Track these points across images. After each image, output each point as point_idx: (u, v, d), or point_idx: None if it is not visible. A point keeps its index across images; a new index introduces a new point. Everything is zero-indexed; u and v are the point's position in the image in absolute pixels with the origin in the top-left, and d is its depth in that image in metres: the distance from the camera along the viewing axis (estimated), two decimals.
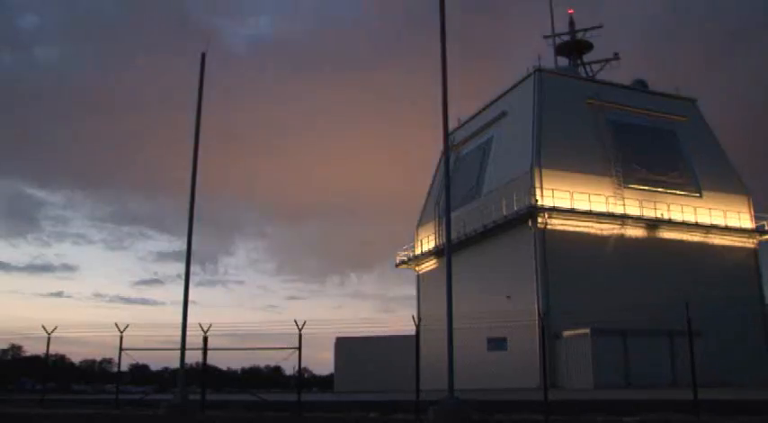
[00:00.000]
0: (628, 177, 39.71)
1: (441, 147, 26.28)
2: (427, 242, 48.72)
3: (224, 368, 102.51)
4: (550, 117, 39.89)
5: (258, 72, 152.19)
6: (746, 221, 42.46)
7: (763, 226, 42.45)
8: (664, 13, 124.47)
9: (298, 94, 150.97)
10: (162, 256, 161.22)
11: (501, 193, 39.66)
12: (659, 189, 40.70)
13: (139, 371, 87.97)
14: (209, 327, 19.79)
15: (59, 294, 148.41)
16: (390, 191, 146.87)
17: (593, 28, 49.99)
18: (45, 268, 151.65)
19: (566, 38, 50.27)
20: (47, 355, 25.11)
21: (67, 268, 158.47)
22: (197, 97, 22.02)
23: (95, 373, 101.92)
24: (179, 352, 20.05)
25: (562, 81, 43.30)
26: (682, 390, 23.95)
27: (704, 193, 42.01)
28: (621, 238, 38.51)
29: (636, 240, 38.78)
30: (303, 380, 79.47)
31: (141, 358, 56.08)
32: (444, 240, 19.43)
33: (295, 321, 17.88)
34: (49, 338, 22.57)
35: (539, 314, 30.79)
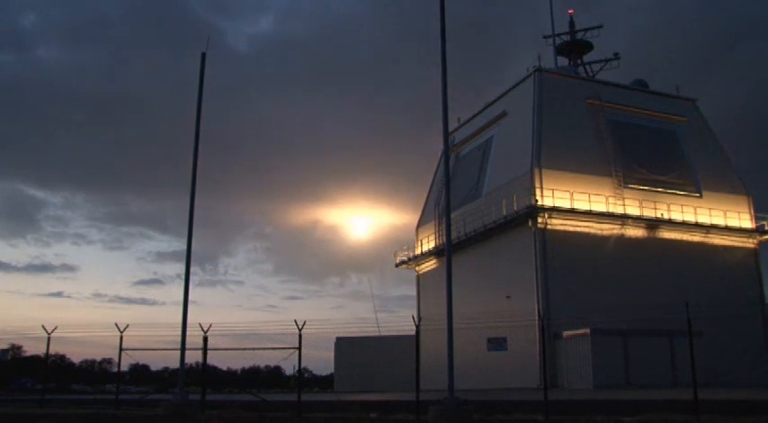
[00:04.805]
0: (628, 177, 39.69)
1: (441, 147, 26.28)
2: (427, 242, 48.71)
3: (224, 368, 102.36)
4: (550, 117, 39.88)
5: (259, 72, 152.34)
6: (746, 221, 42.44)
7: (763, 226, 42.42)
8: (663, 13, 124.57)
9: (298, 93, 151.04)
10: (162, 257, 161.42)
11: (501, 194, 39.64)
12: (659, 189, 40.67)
13: (139, 371, 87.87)
14: (209, 327, 19.79)
15: (59, 294, 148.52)
16: (391, 190, 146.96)
17: (592, 28, 50.13)
18: (45, 268, 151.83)
19: (566, 38, 50.33)
20: (47, 355, 25.11)
21: (67, 268, 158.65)
22: (197, 97, 22.01)
23: (95, 373, 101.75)
24: (179, 352, 20.03)
25: (562, 81, 43.26)
26: (682, 390, 23.96)
27: (704, 193, 41.99)
28: (621, 238, 38.49)
29: (636, 240, 38.76)
30: (303, 380, 79.39)
31: (141, 358, 56.12)
32: (444, 240, 19.42)
33: (295, 321, 17.89)
34: (48, 338, 22.58)
35: (539, 314, 30.79)
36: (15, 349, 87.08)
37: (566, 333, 33.58)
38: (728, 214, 41.76)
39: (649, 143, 42.35)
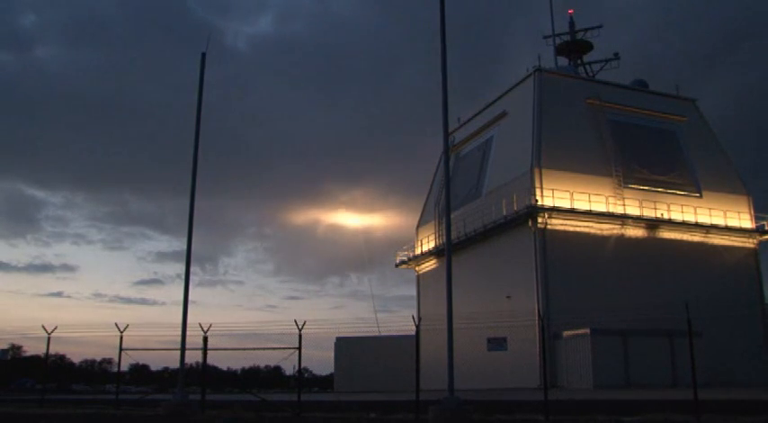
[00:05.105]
0: (628, 177, 39.69)
1: (441, 147, 26.28)
2: (427, 242, 48.71)
3: (224, 368, 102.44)
4: (550, 117, 39.87)
5: (259, 72, 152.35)
6: (746, 221, 42.44)
7: (763, 226, 42.42)
8: (663, 13, 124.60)
9: (298, 93, 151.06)
10: (162, 256, 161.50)
11: (501, 194, 39.64)
12: (659, 189, 40.67)
13: (139, 371, 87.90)
14: (209, 327, 19.77)
15: (59, 294, 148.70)
16: (391, 190, 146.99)
17: (592, 28, 50.13)
18: (45, 268, 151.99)
19: (566, 38, 50.32)
20: (47, 355, 25.11)
21: (67, 268, 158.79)
22: (197, 97, 22.00)
23: (95, 373, 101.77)
24: (179, 352, 20.03)
25: (562, 81, 43.27)
26: (682, 390, 23.97)
27: (704, 193, 41.98)
28: (621, 238, 38.49)
29: (636, 240, 38.75)
30: (303, 380, 79.41)
31: (141, 358, 56.14)
32: (444, 240, 19.42)
33: (295, 321, 17.88)
34: (48, 338, 22.57)
35: (539, 314, 30.78)
36: (15, 349, 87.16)
37: (566, 333, 33.58)
38: (728, 214, 41.75)
39: (649, 143, 42.35)
